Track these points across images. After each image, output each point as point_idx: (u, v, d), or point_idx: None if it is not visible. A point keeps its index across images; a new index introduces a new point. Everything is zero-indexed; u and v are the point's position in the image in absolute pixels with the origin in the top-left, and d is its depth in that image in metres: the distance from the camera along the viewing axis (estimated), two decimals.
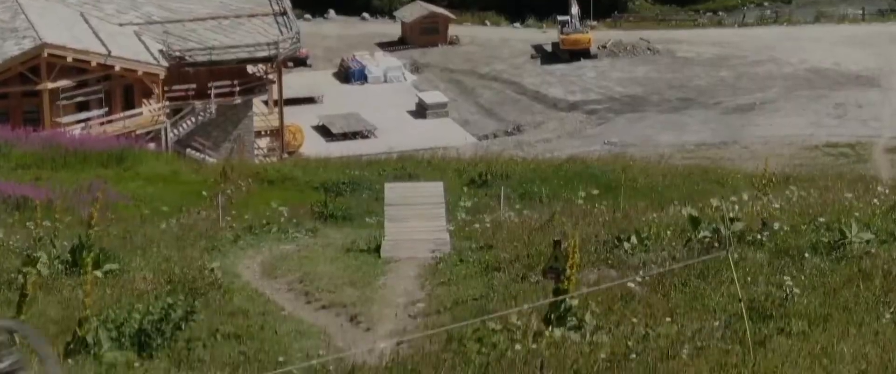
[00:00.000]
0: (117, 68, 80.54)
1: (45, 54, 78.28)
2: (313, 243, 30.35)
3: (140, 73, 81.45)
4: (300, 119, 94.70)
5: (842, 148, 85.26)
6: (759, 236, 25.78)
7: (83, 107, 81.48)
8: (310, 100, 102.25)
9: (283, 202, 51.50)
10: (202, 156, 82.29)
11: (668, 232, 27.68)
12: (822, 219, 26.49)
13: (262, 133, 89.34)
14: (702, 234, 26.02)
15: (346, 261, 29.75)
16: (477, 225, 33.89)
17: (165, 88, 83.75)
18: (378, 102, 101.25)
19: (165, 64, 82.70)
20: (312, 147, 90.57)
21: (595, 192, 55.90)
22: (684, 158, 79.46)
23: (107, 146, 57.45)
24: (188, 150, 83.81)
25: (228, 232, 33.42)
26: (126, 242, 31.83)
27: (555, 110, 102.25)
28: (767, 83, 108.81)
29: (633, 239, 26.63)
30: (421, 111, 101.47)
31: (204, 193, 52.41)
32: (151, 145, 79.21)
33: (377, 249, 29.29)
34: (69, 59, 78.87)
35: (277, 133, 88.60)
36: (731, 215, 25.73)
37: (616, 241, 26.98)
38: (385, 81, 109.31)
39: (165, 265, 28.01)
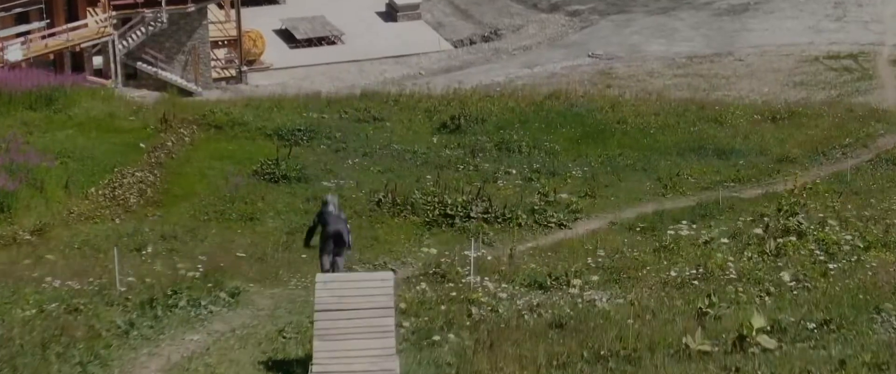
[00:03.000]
0: None
1: None
2: (229, 334, 24.29)
3: None
4: (260, 23, 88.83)
5: (844, 60, 79.99)
6: None
7: (22, 19, 75.53)
8: (271, 0, 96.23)
9: (230, 157, 46.48)
10: (154, 70, 76.80)
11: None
12: None
13: (220, 43, 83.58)
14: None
15: None
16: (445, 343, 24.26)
17: None
18: (345, 2, 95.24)
19: None
20: (274, 55, 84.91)
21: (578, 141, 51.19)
22: (676, 77, 74.28)
23: (35, 84, 51.95)
24: (139, 63, 78.24)
25: (120, 315, 25.48)
26: None
27: (535, 11, 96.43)
28: None
29: None
30: (391, 13, 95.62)
31: (141, 144, 47.35)
32: (98, 59, 73.69)
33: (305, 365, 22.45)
34: None
35: (235, 43, 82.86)
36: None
37: None
38: None
39: None
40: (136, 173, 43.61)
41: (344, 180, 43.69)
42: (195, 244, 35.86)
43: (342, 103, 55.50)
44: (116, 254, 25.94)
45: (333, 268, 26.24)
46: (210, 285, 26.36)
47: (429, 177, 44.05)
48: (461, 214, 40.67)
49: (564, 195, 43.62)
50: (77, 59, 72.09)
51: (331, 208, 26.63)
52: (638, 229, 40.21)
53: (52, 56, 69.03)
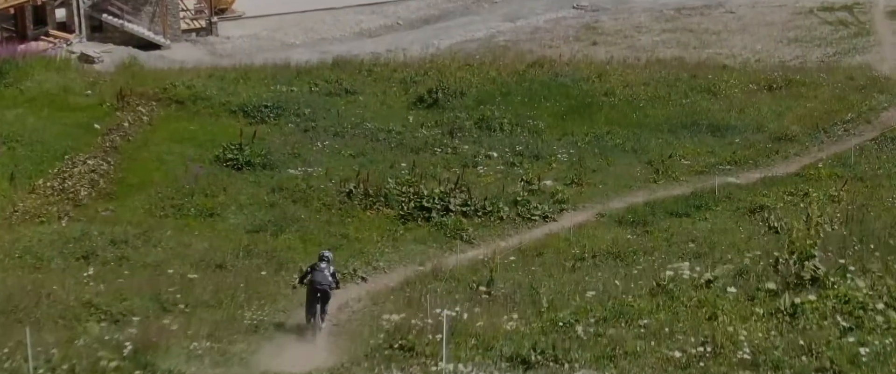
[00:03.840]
0: None
1: None
2: None
3: None
4: None
5: (838, 12, 77.00)
6: None
7: None
8: None
9: (191, 139, 43.59)
10: (120, 22, 73.46)
11: None
12: None
13: None
14: None
15: None
16: None
17: None
18: None
19: None
20: (246, 2, 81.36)
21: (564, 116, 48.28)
22: (664, 32, 71.24)
23: None
24: (104, 15, 74.84)
25: None
26: None
27: None
28: None
29: None
30: None
31: (96, 125, 44.45)
32: (61, 12, 70.35)
33: None
34: None
35: None
36: None
37: None
38: None
39: None
40: (89, 161, 40.70)
41: (312, 168, 40.86)
42: (148, 251, 33.09)
43: (313, 74, 52.55)
44: (28, 336, 22.21)
45: (317, 319, 27.24)
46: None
47: (404, 165, 41.10)
48: (439, 206, 37.93)
49: (549, 182, 40.95)
50: (39, 13, 68.65)
51: (323, 265, 27.56)
52: (628, 221, 37.53)
53: (12, 10, 65.58)
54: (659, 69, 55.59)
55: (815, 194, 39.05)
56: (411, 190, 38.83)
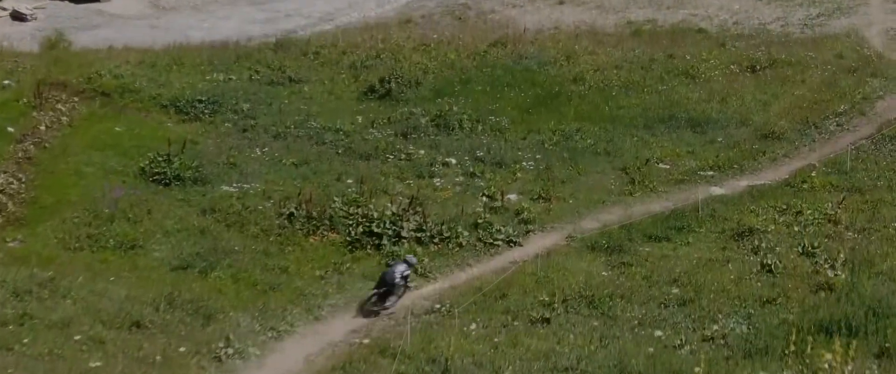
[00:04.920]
0: None
1: None
2: None
3: None
4: None
5: None
6: None
7: None
8: None
9: (114, 146, 39.34)
10: None
11: None
12: None
13: None
14: None
15: None
16: None
17: None
18: None
19: None
20: None
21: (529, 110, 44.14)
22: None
23: None
24: None
25: None
26: None
27: None
28: None
29: None
30: None
31: (10, 129, 40.21)
32: None
33: None
34: None
35: None
36: None
37: None
38: None
39: None
40: None
41: (250, 183, 36.82)
42: (55, 304, 29.16)
43: (253, 58, 48.25)
44: None
45: (370, 303, 30.96)
46: None
47: (350, 181, 36.97)
48: (390, 232, 33.98)
49: (514, 197, 37.19)
50: None
51: (400, 265, 31.18)
52: (603, 247, 33.71)
53: None
54: (632, 46, 51.43)
55: (809, 212, 35.31)
56: (359, 211, 34.84)
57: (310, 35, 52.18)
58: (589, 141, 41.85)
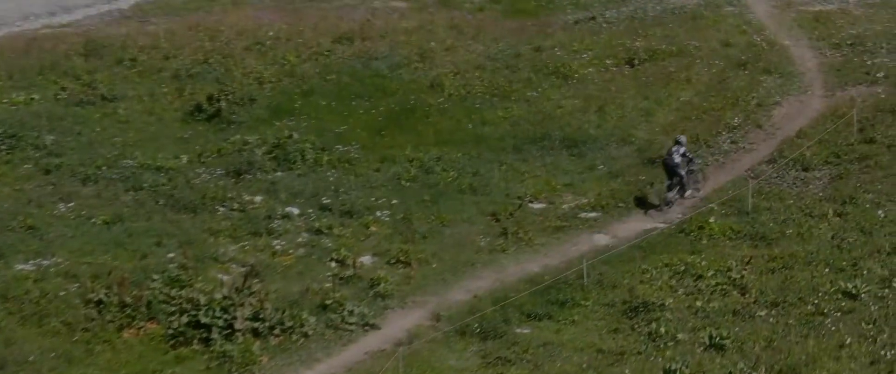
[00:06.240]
0: None
1: None
2: None
3: None
4: None
5: None
6: None
7: None
8: None
9: None
10: None
11: None
12: None
13: None
14: None
15: None
16: None
17: None
18: None
19: None
20: None
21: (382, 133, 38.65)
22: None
23: None
24: None
25: None
26: None
27: None
28: None
29: None
30: None
31: None
32: None
33: None
34: None
35: None
36: None
37: None
38: None
39: None
40: None
41: (50, 258, 30.95)
42: None
43: (60, 68, 41.84)
44: None
45: (669, 194, 34.57)
46: None
47: (172, 255, 31.20)
48: (221, 322, 28.56)
49: (368, 261, 31.92)
50: None
51: (674, 148, 34.47)
52: (475, 332, 28.71)
53: None
54: (494, 35, 45.99)
55: (710, 276, 30.59)
56: (183, 294, 29.32)
57: (126, 33, 45.56)
58: (452, 173, 36.58)
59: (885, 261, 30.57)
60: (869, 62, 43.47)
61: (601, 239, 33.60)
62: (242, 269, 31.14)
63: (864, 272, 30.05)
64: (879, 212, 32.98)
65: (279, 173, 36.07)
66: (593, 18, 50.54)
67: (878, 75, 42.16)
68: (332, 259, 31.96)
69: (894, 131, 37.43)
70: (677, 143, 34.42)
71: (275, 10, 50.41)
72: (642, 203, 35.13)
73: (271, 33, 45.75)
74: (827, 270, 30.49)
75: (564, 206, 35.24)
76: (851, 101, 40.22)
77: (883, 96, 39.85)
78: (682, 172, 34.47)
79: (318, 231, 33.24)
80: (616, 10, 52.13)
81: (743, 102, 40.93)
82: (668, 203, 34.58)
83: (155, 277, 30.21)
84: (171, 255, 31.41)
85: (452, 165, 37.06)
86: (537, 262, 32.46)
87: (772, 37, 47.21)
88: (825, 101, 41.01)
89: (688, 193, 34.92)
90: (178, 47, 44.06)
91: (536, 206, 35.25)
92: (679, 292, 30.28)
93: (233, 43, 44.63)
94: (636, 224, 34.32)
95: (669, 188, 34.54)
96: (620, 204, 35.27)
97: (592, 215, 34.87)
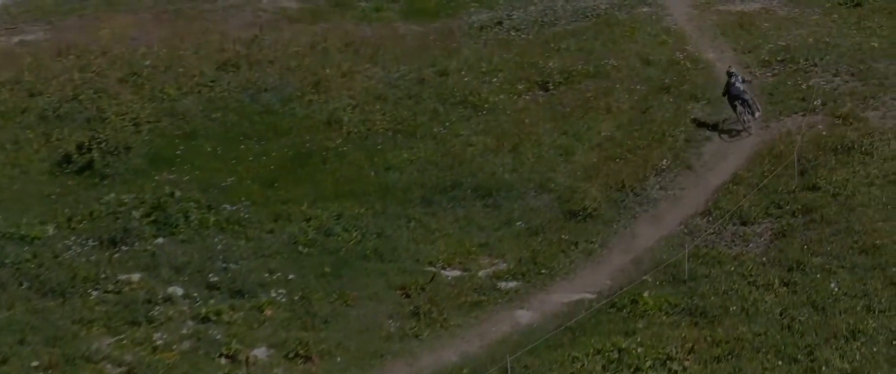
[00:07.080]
0: None
1: None
2: None
3: None
4: None
5: None
6: None
7: None
8: None
9: None
10: None
11: None
12: None
13: None
14: None
15: None
16: None
17: None
18: None
19: None
20: None
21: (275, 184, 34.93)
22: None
23: None
24: None
25: None
26: None
27: None
28: None
29: None
30: None
31: None
32: None
33: None
34: None
35: None
36: None
37: None
38: None
39: None
40: None
41: None
42: None
43: None
44: None
45: (744, 118, 38.31)
46: None
47: (35, 361, 27.22)
48: None
49: (263, 355, 28.31)
50: None
51: (733, 79, 38.24)
52: None
53: None
54: (393, 53, 42.14)
55: (648, 366, 27.30)
56: None
57: None
58: (354, 235, 32.93)
59: (843, 349, 27.37)
60: (804, 86, 40.24)
61: (523, 316, 30.21)
62: (118, 370, 27.46)
63: (823, 367, 26.90)
64: (832, 284, 29.71)
65: (160, 240, 32.15)
66: (500, 23, 47.03)
67: (815, 103, 38.98)
68: (221, 355, 28.24)
69: (839, 176, 34.20)
70: (730, 74, 38.12)
71: (153, 20, 46.23)
72: (722, 132, 37.92)
73: (148, 62, 41.39)
74: (779, 362, 27.31)
75: (481, 273, 31.81)
76: (788, 135, 37.02)
77: (824, 133, 36.59)
78: (749, 97, 38.10)
79: (206, 319, 29.40)
80: (523, 9, 48.66)
81: (670, 138, 37.58)
82: (748, 127, 37.80)
83: None
84: (35, 362, 27.40)
85: (355, 225, 33.36)
86: (454, 348, 29.01)
87: (694, 52, 43.80)
88: (759, 135, 37.78)
89: (758, 114, 38.21)
90: (45, 81, 39.79)
91: (450, 274, 31.76)
92: None
93: (106, 74, 40.40)
94: (560, 295, 30.96)
95: (740, 115, 38.00)
96: (542, 270, 31.82)
97: (512, 284, 31.42)
